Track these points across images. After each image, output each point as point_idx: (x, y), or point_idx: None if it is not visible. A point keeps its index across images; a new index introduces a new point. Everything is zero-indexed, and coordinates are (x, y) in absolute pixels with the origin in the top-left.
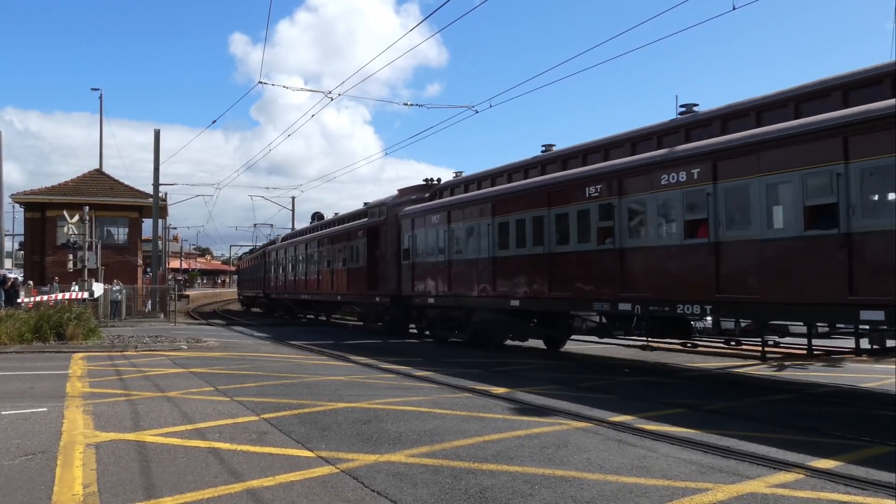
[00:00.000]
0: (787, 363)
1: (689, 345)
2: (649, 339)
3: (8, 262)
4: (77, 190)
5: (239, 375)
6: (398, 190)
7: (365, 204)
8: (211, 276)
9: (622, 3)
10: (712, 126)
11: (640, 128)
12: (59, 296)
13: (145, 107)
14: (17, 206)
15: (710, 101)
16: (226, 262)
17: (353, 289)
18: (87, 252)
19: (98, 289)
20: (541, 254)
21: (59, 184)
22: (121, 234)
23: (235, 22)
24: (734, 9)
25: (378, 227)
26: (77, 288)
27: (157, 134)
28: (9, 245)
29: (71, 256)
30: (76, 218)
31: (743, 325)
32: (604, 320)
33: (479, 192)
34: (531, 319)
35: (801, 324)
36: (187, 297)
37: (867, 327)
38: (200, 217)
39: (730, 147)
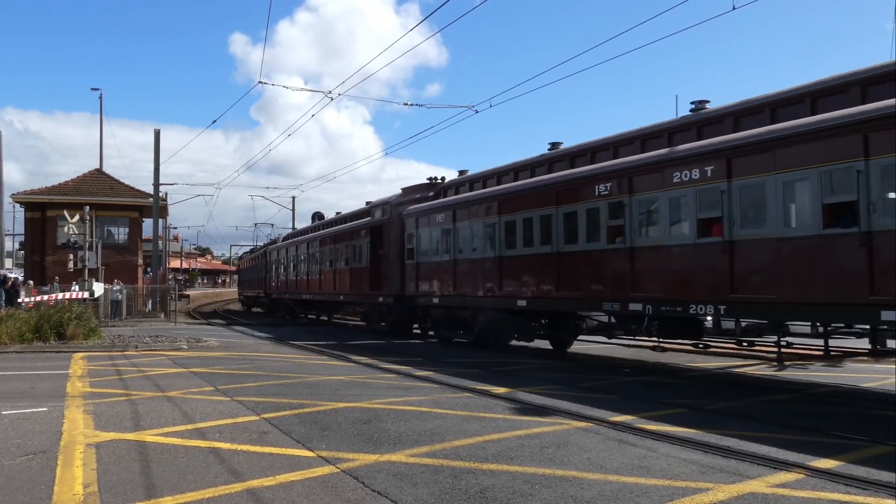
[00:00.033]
0: (805, 364)
1: (700, 345)
2: (660, 339)
3: (8, 262)
4: (77, 190)
5: (239, 375)
6: (402, 189)
7: (367, 203)
8: (211, 275)
9: (622, 3)
10: (725, 123)
11: (650, 125)
12: (60, 295)
13: (145, 107)
14: (17, 205)
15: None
16: (226, 262)
17: (355, 289)
18: (87, 252)
19: (98, 288)
20: (549, 253)
21: (60, 184)
22: (121, 233)
23: (235, 22)
24: (734, 9)
25: (381, 226)
26: (77, 288)
27: (157, 134)
28: (9, 245)
29: (71, 256)
30: (76, 218)
31: (743, 324)
32: (613, 320)
33: (486, 190)
34: (538, 320)
35: (805, 324)
36: (188, 296)
37: (885, 327)
38: (201, 217)
39: (745, 144)
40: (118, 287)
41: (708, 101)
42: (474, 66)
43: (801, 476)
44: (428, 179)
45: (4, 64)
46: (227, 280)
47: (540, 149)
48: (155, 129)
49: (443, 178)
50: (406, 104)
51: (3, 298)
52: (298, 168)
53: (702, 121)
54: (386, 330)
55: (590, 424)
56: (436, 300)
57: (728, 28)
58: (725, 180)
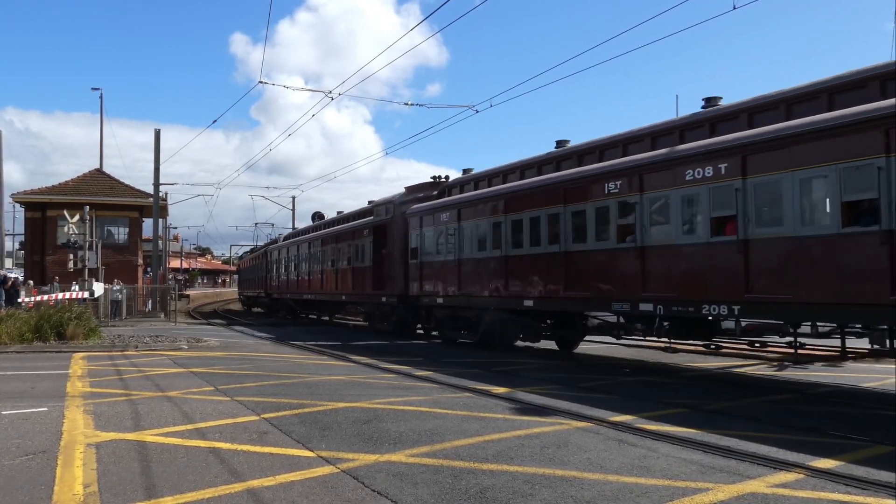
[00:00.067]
0: (820, 364)
1: (712, 346)
2: (671, 340)
3: (8, 262)
4: (77, 190)
5: (239, 375)
6: (405, 188)
7: (370, 202)
8: (211, 275)
9: (622, 3)
10: (739, 119)
11: (660, 122)
12: (60, 295)
13: (145, 107)
14: (17, 205)
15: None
16: (226, 262)
17: (358, 288)
18: (87, 252)
19: (98, 288)
20: (557, 252)
21: (60, 183)
22: (121, 233)
23: (235, 22)
24: (734, 8)
25: (385, 225)
26: (77, 288)
27: (157, 134)
28: (9, 245)
29: (71, 256)
30: (76, 218)
31: (743, 324)
32: (622, 321)
33: (492, 189)
34: (544, 320)
35: (805, 324)
36: (188, 296)
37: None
38: (201, 217)
39: (760, 140)
40: (118, 287)
41: (720, 98)
42: (474, 66)
43: (801, 476)
44: (432, 178)
45: (4, 64)
46: (227, 280)
47: (541, 148)
48: (155, 129)
49: (447, 177)
50: (406, 104)
51: (3, 298)
52: (299, 168)
53: (714, 117)
54: (389, 330)
55: (590, 424)
56: (440, 300)
57: (728, 28)
58: (740, 178)
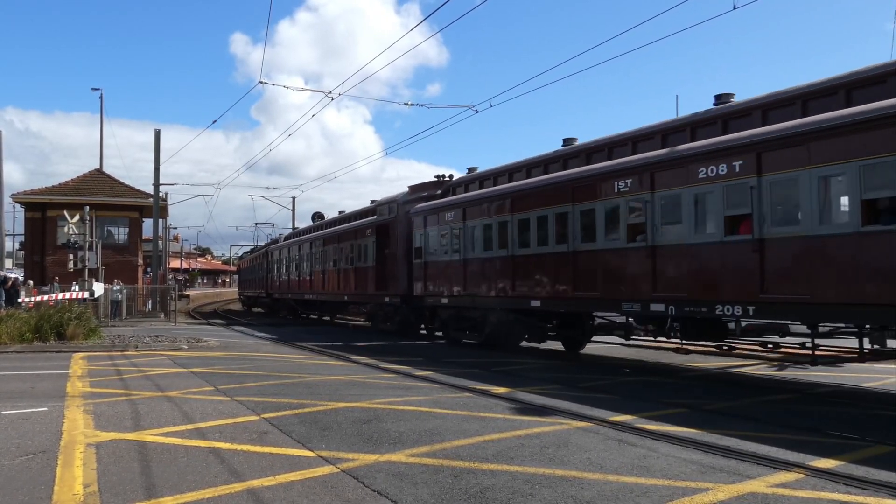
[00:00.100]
0: (841, 365)
1: (725, 347)
2: (683, 341)
3: (8, 262)
4: (77, 190)
5: (239, 375)
6: (409, 187)
7: (372, 202)
8: (211, 275)
9: (622, 3)
10: (752, 116)
11: (671, 119)
12: (60, 296)
13: (145, 107)
14: (17, 205)
15: (711, 100)
16: (226, 262)
17: (360, 289)
18: (87, 252)
19: (98, 288)
20: (565, 252)
21: (60, 184)
22: (121, 233)
23: (235, 22)
24: (734, 8)
25: (388, 224)
26: (77, 288)
27: (157, 134)
28: (9, 245)
29: (71, 256)
30: (76, 218)
31: (744, 324)
32: (631, 321)
33: (497, 187)
34: (550, 320)
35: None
36: (188, 296)
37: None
38: (201, 217)
39: (776, 137)
40: (118, 287)
41: (733, 95)
42: (474, 66)
43: (801, 476)
44: (436, 177)
45: (4, 64)
46: (228, 280)
47: (541, 148)
48: (155, 129)
49: (451, 176)
50: (406, 104)
51: (3, 298)
52: (299, 168)
53: (727, 114)
54: (392, 330)
55: (590, 424)
56: (444, 300)
57: (728, 28)
58: (755, 176)
